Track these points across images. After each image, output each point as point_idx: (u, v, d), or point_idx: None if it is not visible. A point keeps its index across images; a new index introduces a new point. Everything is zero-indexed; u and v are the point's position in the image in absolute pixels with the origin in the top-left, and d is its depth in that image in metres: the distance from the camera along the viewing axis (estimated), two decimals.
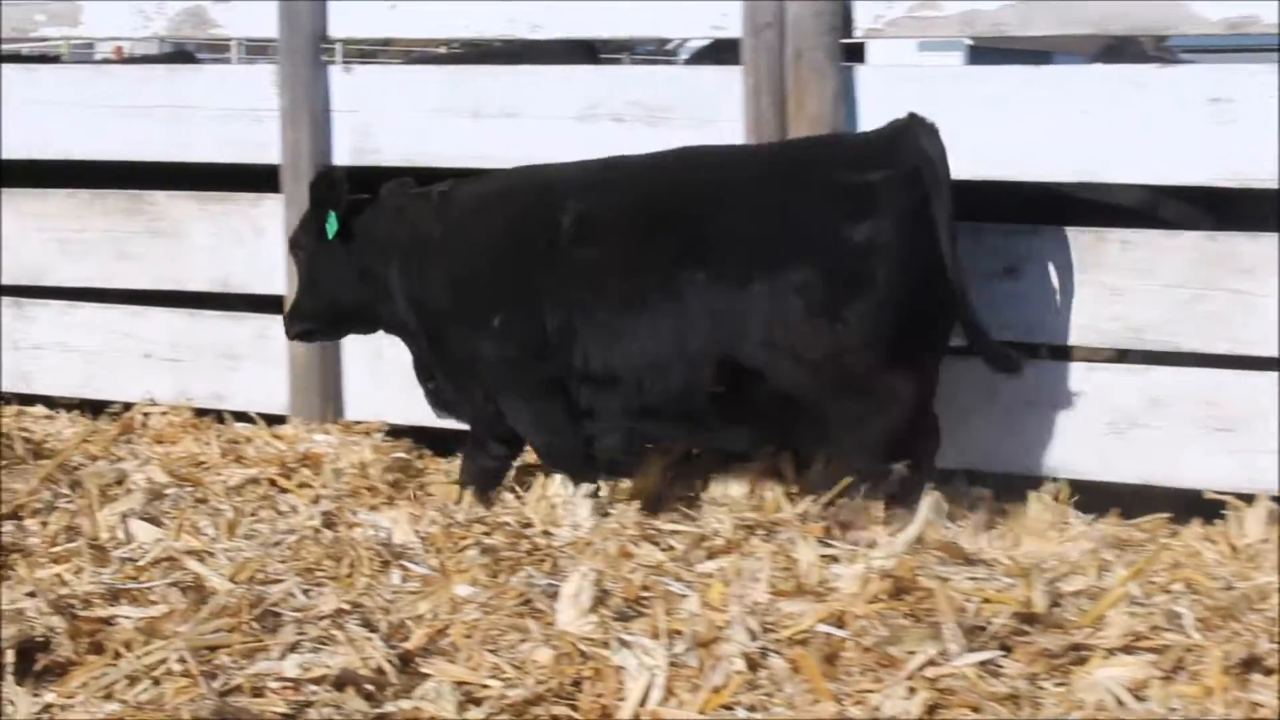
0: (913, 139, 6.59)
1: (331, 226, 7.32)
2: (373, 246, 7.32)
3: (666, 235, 6.75)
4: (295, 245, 7.56)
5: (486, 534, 6.67)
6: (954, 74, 7.64)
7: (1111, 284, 7.05)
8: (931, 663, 5.33)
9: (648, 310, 6.71)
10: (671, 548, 6.46)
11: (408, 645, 5.60)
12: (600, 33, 8.59)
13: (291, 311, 7.64)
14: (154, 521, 6.86)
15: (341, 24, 8.34)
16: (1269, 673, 5.31)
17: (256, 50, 20.39)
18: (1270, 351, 6.85)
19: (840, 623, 5.61)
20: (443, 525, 6.78)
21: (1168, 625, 5.63)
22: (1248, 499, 6.77)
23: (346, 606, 5.84)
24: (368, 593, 6.06)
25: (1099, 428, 7.11)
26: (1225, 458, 6.93)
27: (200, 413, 8.52)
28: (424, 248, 7.23)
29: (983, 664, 5.35)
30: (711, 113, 7.49)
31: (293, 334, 7.63)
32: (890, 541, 6.33)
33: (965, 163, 6.76)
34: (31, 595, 5.85)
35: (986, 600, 5.74)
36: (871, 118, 7.20)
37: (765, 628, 5.58)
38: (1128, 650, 5.49)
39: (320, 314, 7.53)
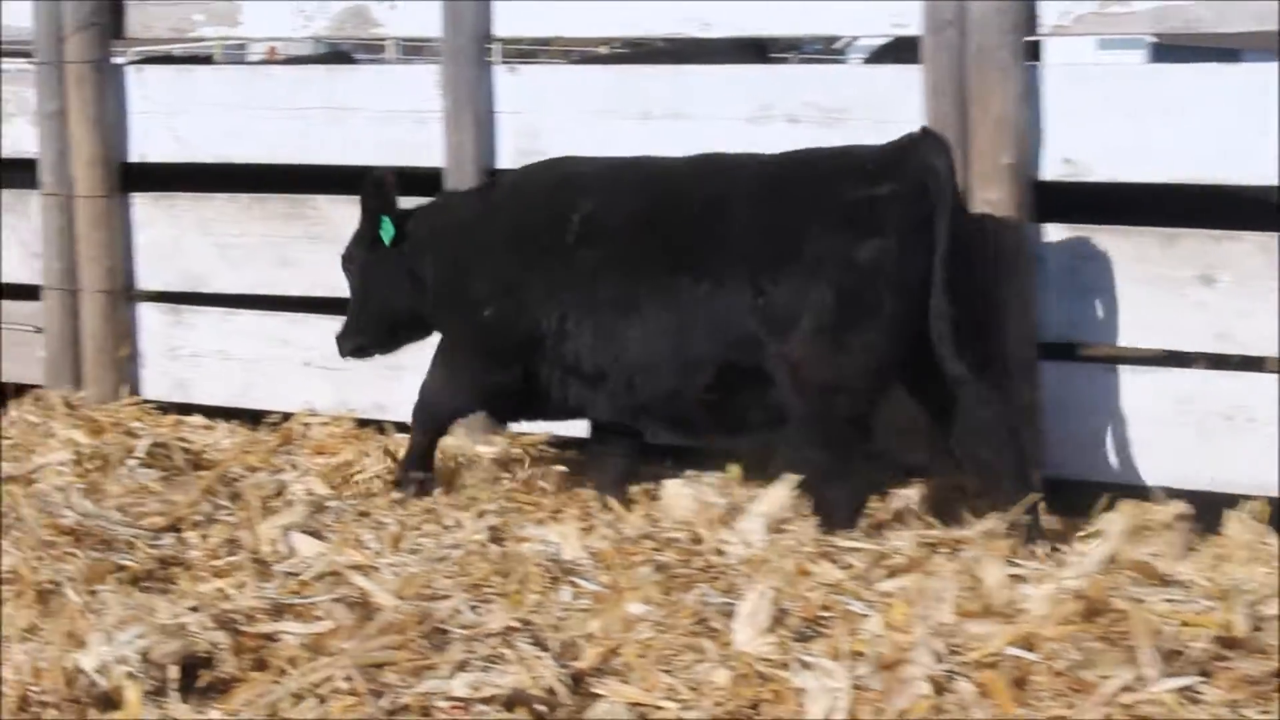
0: (921, 154, 6.57)
1: (387, 231, 7.33)
2: (416, 246, 7.36)
3: (670, 239, 6.84)
4: (346, 260, 7.56)
5: (657, 550, 6.50)
6: (1143, 72, 7.43)
7: None
8: (1128, 688, 5.13)
9: (643, 313, 6.82)
10: (851, 566, 6.22)
11: (579, 664, 5.46)
12: (774, 31, 8.41)
13: (343, 329, 7.61)
14: (316, 535, 6.78)
15: (507, 23, 8.16)
16: None
17: (412, 50, 20.33)
18: None
19: (1030, 645, 5.38)
20: (614, 540, 6.63)
21: None
22: None
23: (516, 624, 5.69)
24: (537, 610, 5.91)
25: None
26: None
27: (361, 423, 8.38)
28: (450, 239, 7.31)
29: (1181, 690, 5.13)
30: (889, 114, 7.23)
31: (345, 351, 7.59)
32: (1081, 560, 6.13)
33: (1154, 164, 6.72)
34: (194, 610, 5.79)
35: (1185, 624, 5.52)
36: (1057, 118, 7.04)
37: (951, 650, 5.36)
38: None
39: (373, 326, 7.54)
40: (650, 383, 6.83)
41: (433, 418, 7.43)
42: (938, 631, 5.45)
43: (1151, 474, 6.93)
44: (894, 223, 6.48)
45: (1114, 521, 6.33)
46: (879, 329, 6.46)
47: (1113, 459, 7.02)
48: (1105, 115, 7.00)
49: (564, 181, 7.17)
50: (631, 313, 6.82)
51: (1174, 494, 6.72)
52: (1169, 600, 5.77)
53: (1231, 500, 6.73)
